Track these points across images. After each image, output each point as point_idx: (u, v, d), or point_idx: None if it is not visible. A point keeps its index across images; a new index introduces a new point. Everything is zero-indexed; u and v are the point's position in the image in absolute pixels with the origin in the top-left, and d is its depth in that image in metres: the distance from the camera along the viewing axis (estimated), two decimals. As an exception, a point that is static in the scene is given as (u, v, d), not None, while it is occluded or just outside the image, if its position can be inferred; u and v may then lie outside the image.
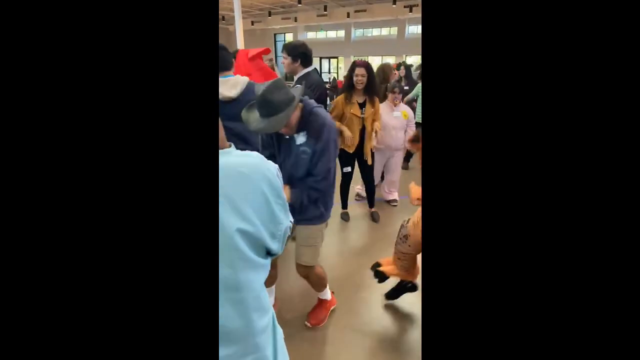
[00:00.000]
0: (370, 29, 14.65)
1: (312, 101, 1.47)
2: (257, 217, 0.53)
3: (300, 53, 2.12)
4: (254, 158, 0.57)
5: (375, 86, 2.57)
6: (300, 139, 1.42)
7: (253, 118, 1.29)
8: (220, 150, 0.55)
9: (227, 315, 0.52)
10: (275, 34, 17.17)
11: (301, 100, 1.40)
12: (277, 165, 0.62)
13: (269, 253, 0.59)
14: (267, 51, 2.24)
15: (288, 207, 0.63)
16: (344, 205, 3.01)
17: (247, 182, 0.53)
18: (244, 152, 0.58)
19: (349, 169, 2.78)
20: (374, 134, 2.62)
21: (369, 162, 2.73)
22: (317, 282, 1.74)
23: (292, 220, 0.67)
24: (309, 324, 1.78)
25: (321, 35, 16.28)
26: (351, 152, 2.66)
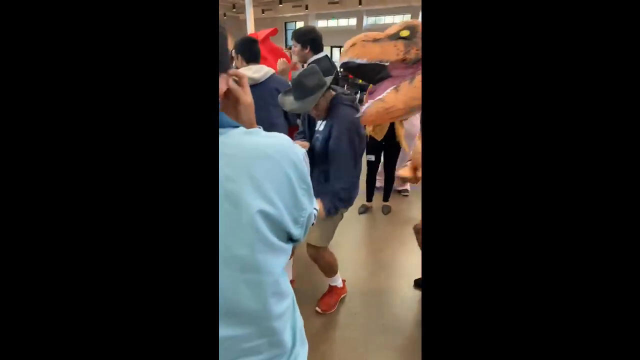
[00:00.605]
0: (383, 17, 14.38)
1: (346, 97, 1.52)
2: (280, 200, 0.51)
3: (309, 39, 2.08)
4: (281, 140, 0.55)
5: None
6: (321, 125, 1.51)
7: (288, 101, 1.44)
8: (247, 129, 0.53)
9: (243, 296, 0.51)
10: (285, 23, 17.04)
11: (335, 91, 1.51)
12: (304, 150, 0.61)
13: (290, 239, 0.57)
14: (274, 31, 2.24)
15: (313, 194, 0.61)
16: (369, 197, 2.93)
17: (273, 163, 0.50)
18: (271, 133, 0.55)
19: (372, 157, 2.71)
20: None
21: (405, 148, 2.63)
22: (325, 267, 1.76)
23: (317, 208, 0.66)
24: (319, 310, 1.80)
25: (332, 23, 16.07)
26: (379, 139, 2.59)
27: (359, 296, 1.94)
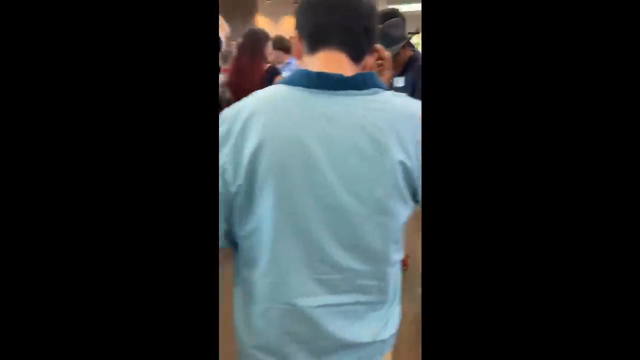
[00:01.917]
0: None
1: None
2: (415, 156, 0.56)
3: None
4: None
5: None
6: (400, 82, 1.62)
7: None
8: (395, 92, 0.62)
9: (371, 234, 0.56)
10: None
11: (414, 51, 1.65)
12: None
13: (413, 198, 0.60)
14: None
15: None
16: None
17: (414, 123, 0.57)
18: (414, 99, 0.62)
19: None
20: None
21: None
22: None
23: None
24: None
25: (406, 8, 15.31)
26: None
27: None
